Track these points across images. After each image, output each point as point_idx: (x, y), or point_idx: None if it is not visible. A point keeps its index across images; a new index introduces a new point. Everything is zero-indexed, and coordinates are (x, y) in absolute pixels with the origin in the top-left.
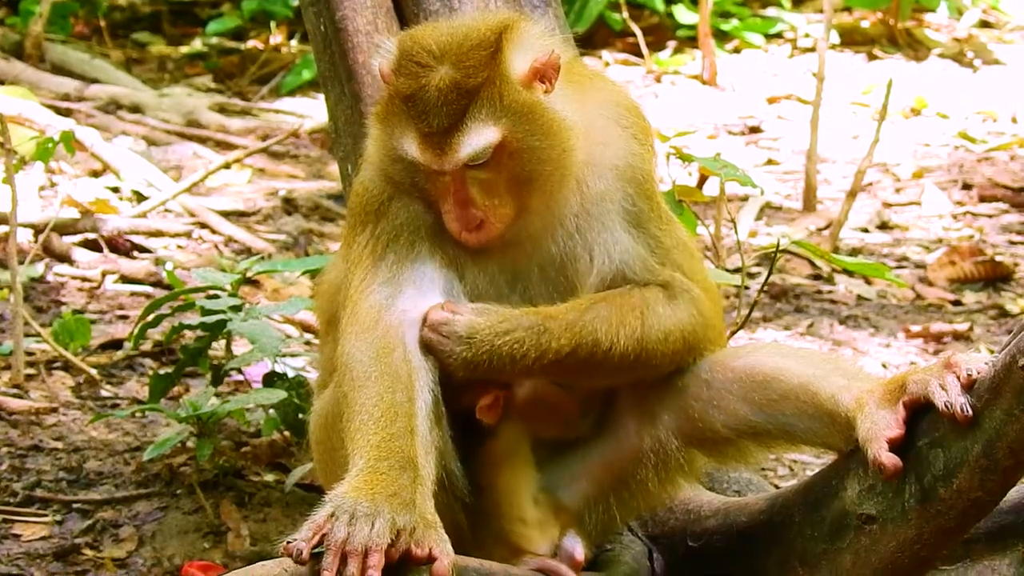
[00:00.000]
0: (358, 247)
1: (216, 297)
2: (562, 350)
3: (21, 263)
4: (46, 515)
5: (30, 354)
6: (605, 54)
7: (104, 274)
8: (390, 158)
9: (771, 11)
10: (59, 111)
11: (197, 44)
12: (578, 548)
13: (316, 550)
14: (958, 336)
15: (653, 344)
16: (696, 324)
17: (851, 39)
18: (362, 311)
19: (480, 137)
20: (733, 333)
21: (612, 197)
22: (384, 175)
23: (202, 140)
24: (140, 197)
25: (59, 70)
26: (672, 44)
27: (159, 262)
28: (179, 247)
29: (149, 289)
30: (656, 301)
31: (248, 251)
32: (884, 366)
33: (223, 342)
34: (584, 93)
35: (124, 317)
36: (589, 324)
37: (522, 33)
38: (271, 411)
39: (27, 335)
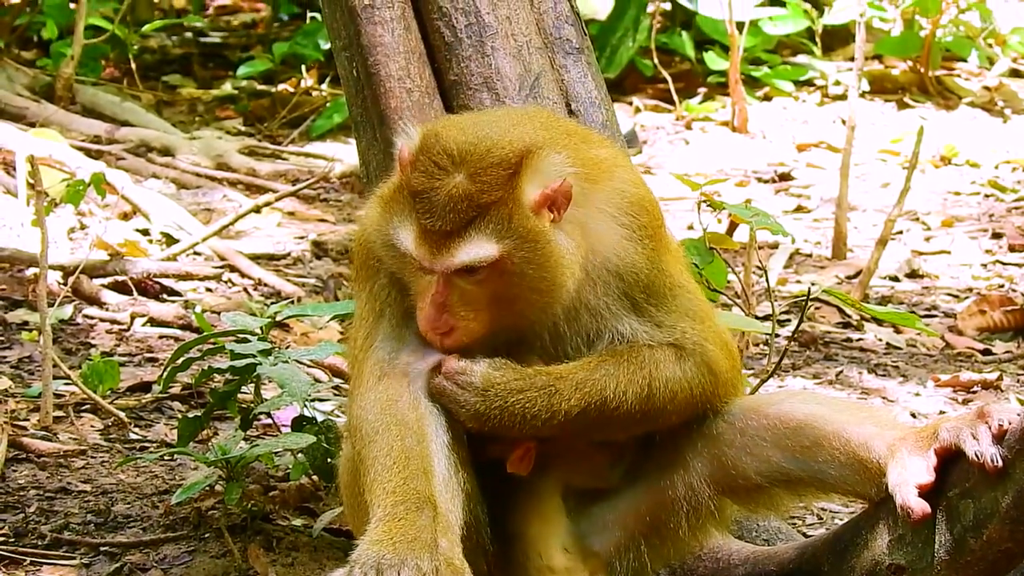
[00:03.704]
0: (360, 304)
1: (245, 341)
2: (572, 411)
3: (51, 305)
4: (74, 558)
5: (59, 396)
6: (635, 100)
7: (133, 317)
8: (382, 241)
9: (802, 58)
10: (89, 153)
11: (227, 87)
12: None
13: None
14: (987, 386)
15: (660, 403)
16: (705, 383)
17: (881, 87)
18: (366, 370)
19: (480, 249)
20: (763, 381)
21: (609, 292)
22: (375, 248)
23: (232, 183)
24: (170, 240)
25: (90, 112)
26: (702, 91)
27: (188, 305)
28: (208, 290)
29: (178, 332)
30: (665, 360)
31: (277, 295)
32: (913, 415)
33: (252, 386)
34: (593, 186)
35: (153, 360)
36: (599, 382)
37: (543, 160)
38: (300, 455)
39: (56, 377)
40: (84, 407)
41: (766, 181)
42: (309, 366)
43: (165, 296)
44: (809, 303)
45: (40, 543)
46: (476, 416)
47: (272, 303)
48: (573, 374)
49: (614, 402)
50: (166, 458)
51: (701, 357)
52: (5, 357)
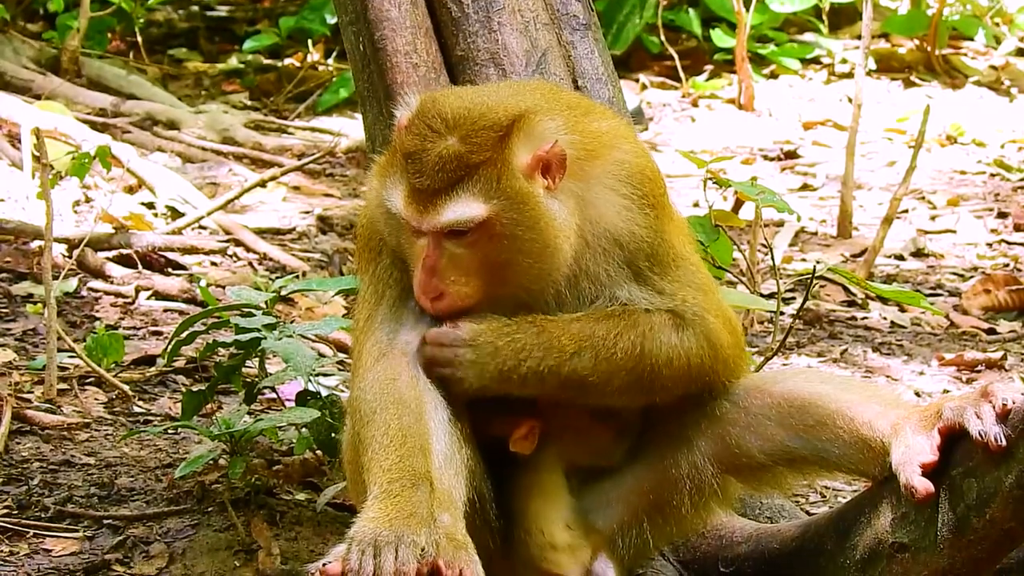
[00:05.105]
0: (363, 285)
1: (250, 315)
2: (565, 350)
3: (55, 278)
4: (77, 531)
5: (63, 369)
6: (642, 77)
7: (138, 290)
8: (380, 210)
9: (808, 36)
10: (95, 126)
11: (234, 61)
12: (609, 572)
13: None
14: (991, 365)
15: (654, 364)
16: (704, 355)
17: (888, 65)
18: (366, 350)
19: (467, 208)
20: (767, 359)
21: (611, 260)
22: (378, 223)
23: (237, 157)
24: (175, 213)
25: (95, 85)
26: (709, 68)
27: (193, 279)
28: (213, 264)
29: (183, 306)
30: (662, 325)
31: (282, 269)
32: (917, 394)
33: (256, 360)
34: (593, 159)
35: (157, 333)
36: (588, 326)
37: (536, 124)
38: (304, 430)
39: (60, 350)
40: (88, 380)
41: (772, 159)
42: (314, 340)
43: (170, 270)
44: (814, 281)
45: (43, 515)
46: (472, 368)
47: (277, 277)
48: (564, 321)
49: (605, 352)
50: (170, 432)
51: (701, 328)
52: (10, 329)
